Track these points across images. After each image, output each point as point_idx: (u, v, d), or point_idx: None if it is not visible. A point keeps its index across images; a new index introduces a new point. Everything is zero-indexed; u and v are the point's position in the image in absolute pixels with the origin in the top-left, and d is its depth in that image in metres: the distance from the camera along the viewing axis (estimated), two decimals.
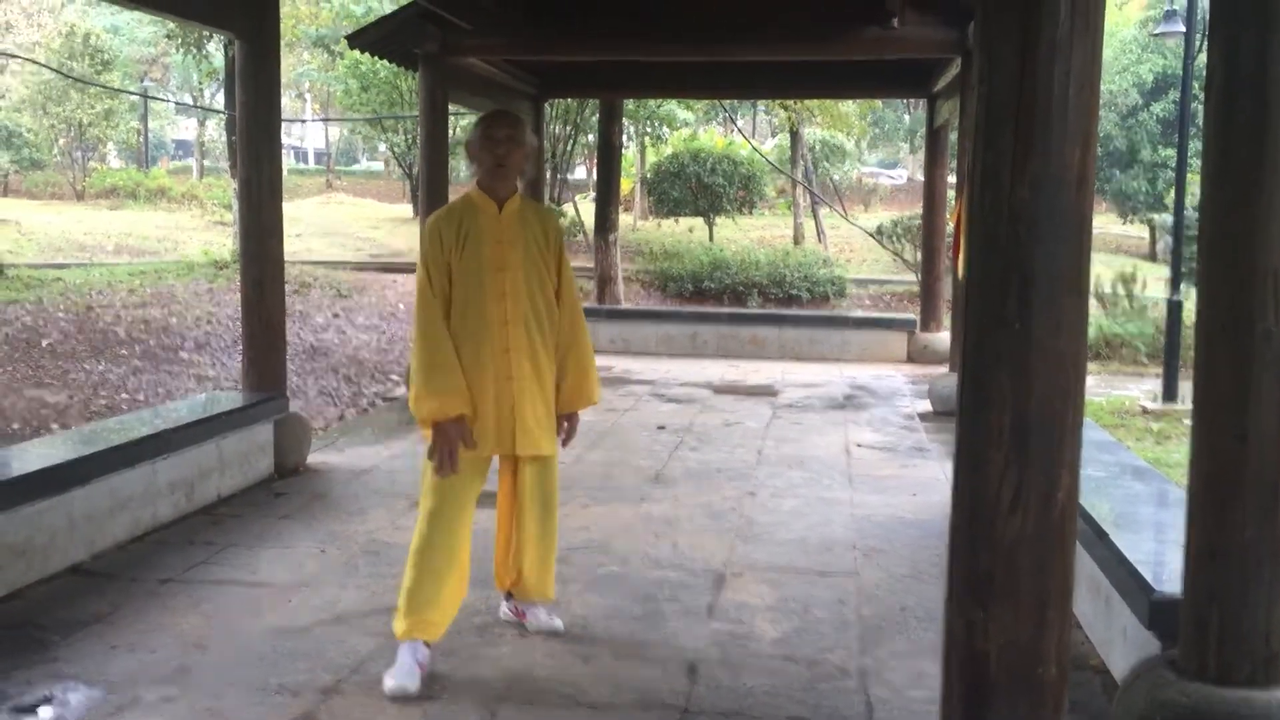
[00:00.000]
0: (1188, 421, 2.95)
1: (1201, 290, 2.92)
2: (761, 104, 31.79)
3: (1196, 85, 13.21)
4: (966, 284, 2.57)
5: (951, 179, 12.62)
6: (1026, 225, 2.44)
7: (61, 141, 34.84)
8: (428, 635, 3.77)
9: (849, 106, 23.04)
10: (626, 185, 24.93)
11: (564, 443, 4.13)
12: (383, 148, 25.30)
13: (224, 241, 22.35)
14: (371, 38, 8.83)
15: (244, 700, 3.56)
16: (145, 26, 38.44)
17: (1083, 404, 2.54)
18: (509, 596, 4.25)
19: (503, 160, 3.84)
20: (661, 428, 8.27)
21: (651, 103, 21.50)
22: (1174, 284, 11.46)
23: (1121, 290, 14.79)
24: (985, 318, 2.50)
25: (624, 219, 21.61)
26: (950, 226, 10.21)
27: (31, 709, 3.48)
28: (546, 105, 13.06)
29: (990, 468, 2.50)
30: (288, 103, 43.06)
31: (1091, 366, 12.44)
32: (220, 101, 31.55)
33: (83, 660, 3.87)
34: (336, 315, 14.79)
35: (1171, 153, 20.44)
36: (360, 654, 3.94)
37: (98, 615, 4.30)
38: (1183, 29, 12.24)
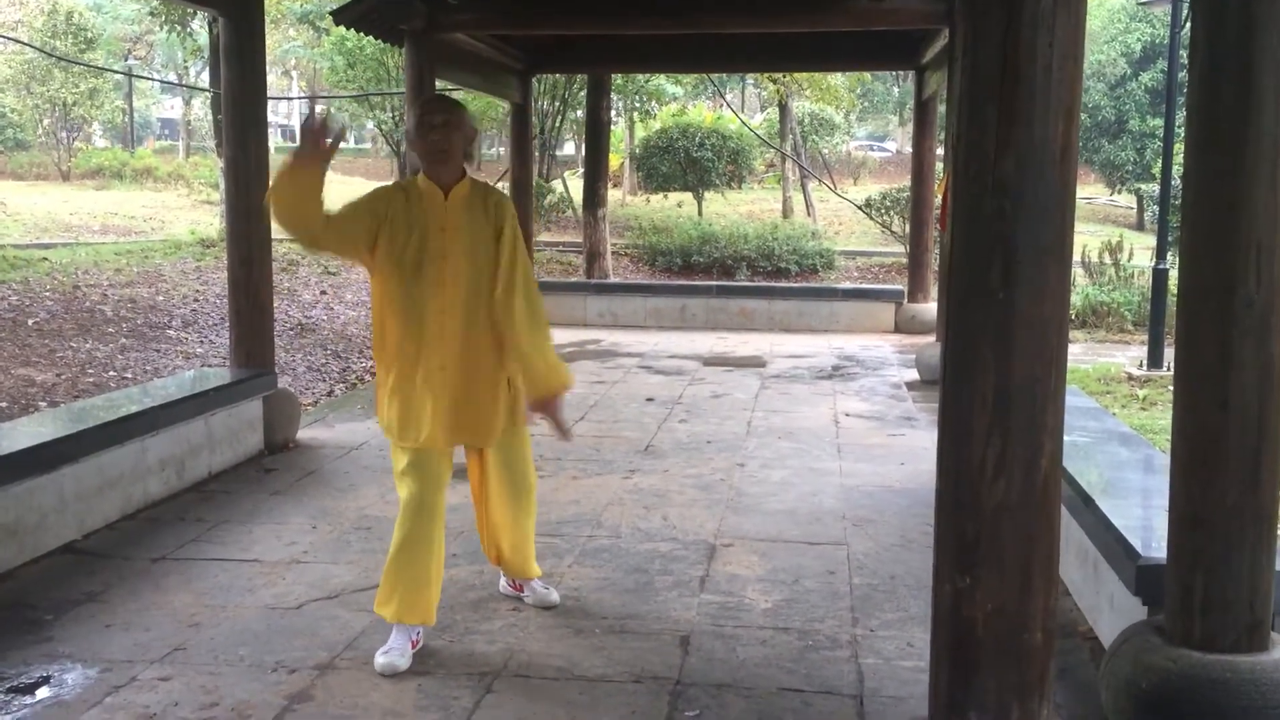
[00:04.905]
0: (1173, 388, 2.97)
1: (1184, 258, 2.93)
2: (750, 78, 31.72)
3: (1184, 55, 13.22)
4: (950, 254, 2.58)
5: (940, 150, 12.64)
6: (1010, 197, 2.45)
7: (46, 121, 34.61)
8: (428, 620, 3.78)
9: (838, 79, 23.00)
10: (615, 161, 24.86)
11: (560, 433, 3.90)
12: (370, 125, 25.12)
13: (211, 220, 22.27)
14: (356, 14, 8.76)
15: (241, 678, 3.58)
16: (128, 4, 38.10)
17: (1065, 371, 2.56)
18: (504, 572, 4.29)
19: (439, 146, 3.70)
20: (650, 400, 8.30)
21: (640, 77, 21.45)
22: (1159, 252, 11.56)
23: (1108, 259, 14.87)
24: (969, 287, 2.52)
25: (613, 194, 21.59)
26: (939, 198, 10.22)
27: (29, 689, 3.50)
28: (534, 80, 13.01)
29: (974, 435, 2.52)
30: (273, 80, 42.78)
31: (1078, 334, 12.53)
32: (205, 80, 31.32)
33: (78, 640, 3.88)
34: (324, 292, 14.77)
35: (1159, 123, 20.44)
36: (354, 630, 3.96)
37: (91, 594, 4.32)
38: None
